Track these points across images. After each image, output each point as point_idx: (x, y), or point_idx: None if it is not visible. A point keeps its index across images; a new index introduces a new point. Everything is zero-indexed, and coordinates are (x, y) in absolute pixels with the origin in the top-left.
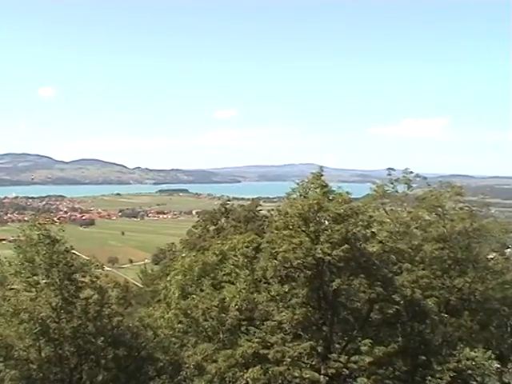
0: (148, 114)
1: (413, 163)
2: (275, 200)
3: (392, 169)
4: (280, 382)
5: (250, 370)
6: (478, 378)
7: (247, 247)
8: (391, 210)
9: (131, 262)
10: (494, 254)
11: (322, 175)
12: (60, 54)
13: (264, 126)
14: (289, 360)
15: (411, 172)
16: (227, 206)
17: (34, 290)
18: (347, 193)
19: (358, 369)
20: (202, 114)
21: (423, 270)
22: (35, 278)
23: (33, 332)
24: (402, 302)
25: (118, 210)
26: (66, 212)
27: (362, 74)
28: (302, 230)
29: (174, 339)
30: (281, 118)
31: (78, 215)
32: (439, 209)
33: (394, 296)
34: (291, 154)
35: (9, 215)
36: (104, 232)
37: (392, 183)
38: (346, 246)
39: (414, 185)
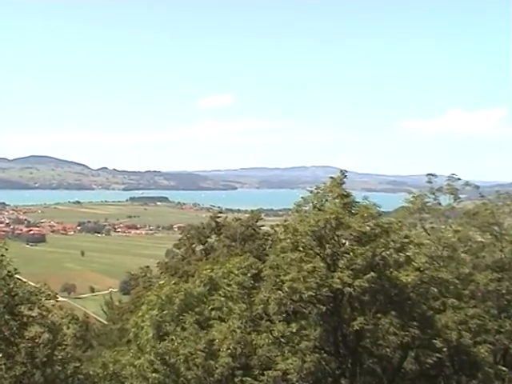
0: (117, 101)
1: (461, 167)
2: (281, 213)
3: (433, 174)
4: None
5: None
6: None
7: (244, 274)
8: (432, 227)
9: (93, 290)
10: None
11: (343, 182)
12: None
13: (267, 117)
14: None
15: (458, 179)
16: (219, 220)
17: None
18: (375, 205)
19: None
20: (187, 100)
21: (474, 307)
22: None
23: None
24: (445, 348)
25: (76, 223)
26: (8, 224)
27: (393, 54)
28: (316, 253)
29: None
30: (289, 108)
31: (24, 229)
32: (495, 227)
33: (434, 341)
34: (302, 155)
35: None
36: (58, 251)
37: (433, 193)
38: (373, 274)
39: (462, 195)
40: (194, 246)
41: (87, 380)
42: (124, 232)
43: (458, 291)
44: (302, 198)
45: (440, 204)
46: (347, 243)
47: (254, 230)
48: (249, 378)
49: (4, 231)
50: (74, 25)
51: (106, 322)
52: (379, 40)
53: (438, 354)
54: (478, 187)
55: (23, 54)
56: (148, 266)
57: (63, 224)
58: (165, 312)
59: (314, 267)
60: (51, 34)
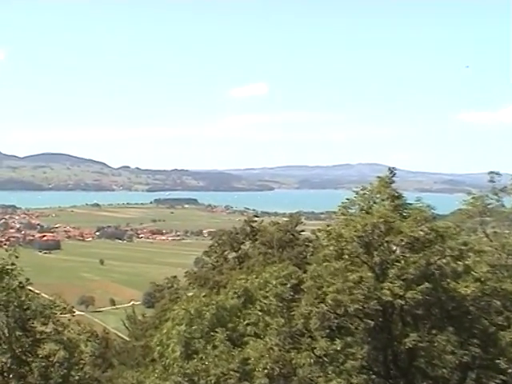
0: (138, 93)
1: None
2: (323, 216)
3: (496, 173)
4: None
5: None
6: None
7: (282, 284)
8: (495, 232)
9: (113, 303)
10: None
11: (392, 181)
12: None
13: (307, 109)
14: None
15: None
16: (254, 225)
17: None
18: (429, 207)
19: None
20: (216, 91)
21: None
22: None
23: None
24: (510, 369)
25: (95, 228)
26: (18, 230)
27: (447, 38)
28: (363, 261)
29: None
30: (332, 99)
31: (37, 235)
32: None
33: (498, 361)
34: (347, 151)
35: None
36: (74, 260)
37: (496, 194)
38: (427, 284)
39: None
40: (226, 253)
41: None
42: (148, 238)
43: None
44: (346, 199)
45: (504, 206)
46: (398, 250)
47: (293, 235)
48: None
49: (14, 237)
50: (85, 14)
51: (127, 339)
52: (431, 22)
53: (502, 376)
54: None
55: (33, 44)
56: (175, 276)
57: (80, 229)
58: (194, 327)
59: (361, 277)
60: (61, 24)
